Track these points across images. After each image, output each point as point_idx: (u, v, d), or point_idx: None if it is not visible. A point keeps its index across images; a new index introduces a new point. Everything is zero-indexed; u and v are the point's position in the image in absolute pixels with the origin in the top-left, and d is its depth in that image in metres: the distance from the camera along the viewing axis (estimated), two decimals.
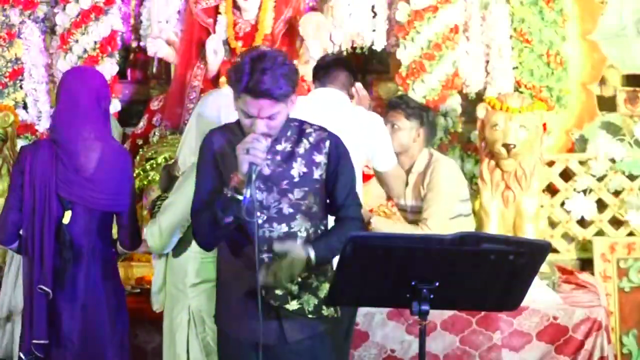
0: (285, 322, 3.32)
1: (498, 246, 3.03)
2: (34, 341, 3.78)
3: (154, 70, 6.10)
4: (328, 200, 3.39)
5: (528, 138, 4.77)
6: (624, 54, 5.82)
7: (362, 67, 6.00)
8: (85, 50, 5.69)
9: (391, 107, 4.85)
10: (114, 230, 4.05)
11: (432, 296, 3.04)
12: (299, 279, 3.29)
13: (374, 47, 5.82)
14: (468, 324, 4.59)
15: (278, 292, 3.28)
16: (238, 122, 3.29)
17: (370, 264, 3.02)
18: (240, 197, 3.10)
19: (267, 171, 3.25)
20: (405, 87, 5.57)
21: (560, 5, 5.72)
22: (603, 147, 5.59)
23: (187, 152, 3.81)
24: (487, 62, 5.72)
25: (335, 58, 4.63)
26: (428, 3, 5.53)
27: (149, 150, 5.54)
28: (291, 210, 3.28)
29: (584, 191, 5.60)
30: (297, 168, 3.29)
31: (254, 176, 3.10)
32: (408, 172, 4.80)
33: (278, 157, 3.28)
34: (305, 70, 5.52)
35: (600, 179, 5.61)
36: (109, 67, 5.72)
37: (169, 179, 3.91)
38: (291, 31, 5.69)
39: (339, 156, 3.34)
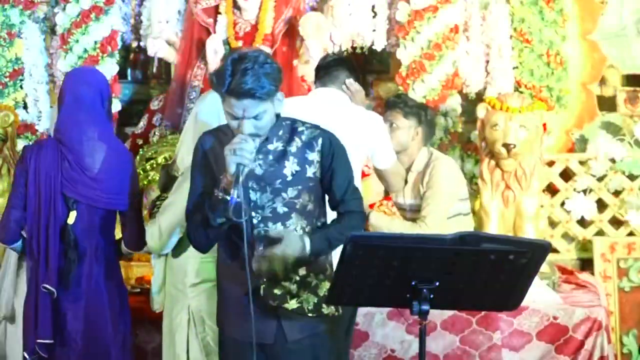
0: (285, 321, 3.32)
1: (498, 246, 3.04)
2: (39, 341, 3.78)
3: (154, 70, 6.10)
4: (327, 198, 3.39)
5: (528, 138, 4.78)
6: (624, 54, 5.82)
7: (362, 67, 5.99)
8: (85, 50, 5.69)
9: (389, 106, 4.86)
10: (117, 231, 4.06)
11: (432, 296, 3.04)
12: (297, 278, 3.30)
13: (374, 47, 5.82)
14: (468, 323, 4.59)
15: (277, 291, 3.28)
16: (227, 125, 3.30)
17: (371, 264, 3.02)
18: (229, 198, 3.11)
19: (259, 171, 3.27)
20: (405, 87, 5.58)
21: (560, 5, 5.72)
22: (603, 147, 5.59)
23: (185, 152, 3.81)
24: (487, 62, 5.72)
25: (337, 58, 4.64)
26: (428, 3, 5.53)
27: (149, 150, 5.54)
28: (286, 209, 3.29)
29: (584, 191, 5.60)
30: (290, 167, 3.29)
31: (241, 177, 3.12)
32: (407, 170, 4.81)
33: (270, 157, 3.29)
34: (305, 70, 5.53)
35: (600, 179, 5.61)
36: (109, 67, 5.72)
37: (168, 179, 3.91)
38: (291, 31, 5.69)
39: (333, 153, 3.34)
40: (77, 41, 5.69)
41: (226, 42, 5.67)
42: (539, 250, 3.06)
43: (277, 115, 3.33)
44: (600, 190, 5.59)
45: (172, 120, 5.66)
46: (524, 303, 3.26)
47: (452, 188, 4.76)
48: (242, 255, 3.21)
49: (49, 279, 3.78)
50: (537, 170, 4.86)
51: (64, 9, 5.71)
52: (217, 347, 3.77)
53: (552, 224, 5.63)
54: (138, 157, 5.54)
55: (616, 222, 5.60)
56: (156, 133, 5.70)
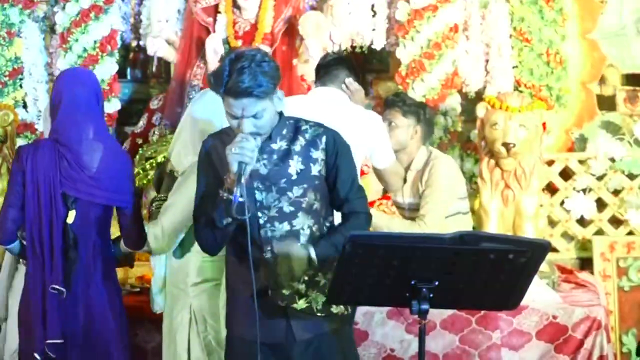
0: (294, 321, 3.32)
1: (498, 245, 3.04)
2: (48, 341, 3.78)
3: (154, 69, 6.10)
4: (331, 197, 3.39)
5: (528, 137, 4.78)
6: (623, 53, 5.82)
7: (361, 66, 6.00)
8: (85, 49, 5.69)
9: (388, 105, 4.87)
10: (114, 230, 4.07)
11: (431, 295, 3.04)
12: (306, 278, 3.30)
13: (373, 46, 5.82)
14: (468, 323, 4.59)
15: (285, 291, 3.29)
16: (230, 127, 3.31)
17: (370, 263, 3.02)
18: (231, 197, 3.11)
19: (264, 171, 3.27)
20: (405, 86, 5.58)
21: (560, 4, 5.72)
22: (603, 146, 5.59)
23: (183, 151, 3.81)
24: (487, 61, 5.72)
25: (336, 57, 4.64)
26: (428, 2, 5.54)
27: (148, 149, 5.54)
28: (292, 209, 3.29)
29: (584, 190, 5.60)
30: (294, 166, 3.30)
31: (243, 175, 3.12)
32: (406, 169, 4.82)
33: (274, 156, 3.29)
34: (305, 70, 5.53)
35: (599, 178, 5.61)
36: (108, 66, 5.72)
37: (168, 180, 3.91)
38: (291, 30, 5.69)
39: (337, 151, 3.35)
40: (76, 40, 5.69)
41: (226, 42, 5.67)
42: (539, 249, 3.06)
43: (281, 115, 3.33)
44: (599, 190, 5.59)
45: (172, 120, 5.65)
46: (523, 302, 3.27)
47: (451, 186, 4.77)
48: (252, 256, 3.20)
49: (56, 278, 3.79)
50: (536, 170, 4.86)
51: (63, 8, 5.71)
52: (219, 346, 3.78)
53: (552, 223, 5.63)
54: (138, 157, 5.54)
55: (616, 222, 5.60)
56: (156, 132, 5.70)
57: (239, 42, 5.65)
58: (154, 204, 3.85)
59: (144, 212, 4.24)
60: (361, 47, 5.82)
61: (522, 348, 4.60)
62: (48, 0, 5.89)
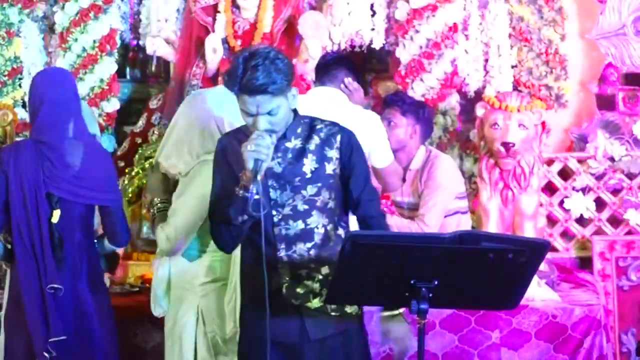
0: (308, 320, 3.33)
1: (497, 245, 3.04)
2: (52, 339, 3.78)
3: (153, 68, 6.09)
4: (345, 197, 3.39)
5: (527, 137, 4.77)
6: (623, 53, 5.82)
7: (361, 65, 5.99)
8: (84, 49, 5.69)
9: (387, 104, 4.87)
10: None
11: (431, 295, 3.04)
12: (320, 276, 3.31)
13: (372, 46, 5.82)
14: (467, 322, 4.59)
15: (299, 290, 3.29)
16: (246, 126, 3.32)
17: (370, 263, 3.02)
18: (249, 195, 3.12)
19: (278, 169, 3.29)
20: (404, 85, 5.58)
21: (559, 3, 5.72)
22: (602, 145, 5.59)
23: (176, 153, 3.80)
24: (486, 60, 5.72)
25: (336, 57, 4.64)
26: (427, 2, 5.53)
27: (147, 149, 5.54)
28: (306, 207, 3.30)
29: (583, 190, 5.60)
30: (309, 164, 3.31)
31: (259, 173, 3.13)
32: (405, 169, 4.82)
33: (289, 155, 3.31)
34: (304, 69, 5.52)
35: (599, 178, 5.61)
36: (108, 66, 5.72)
37: (166, 182, 3.89)
38: (290, 30, 5.68)
39: (351, 150, 3.36)
40: (76, 40, 5.69)
41: (225, 41, 5.66)
42: (538, 249, 3.07)
43: (295, 113, 3.35)
44: (599, 189, 5.59)
45: (171, 119, 5.65)
46: (522, 302, 3.27)
47: (450, 186, 4.77)
48: (267, 255, 3.22)
49: (51, 277, 3.79)
50: (536, 169, 4.86)
51: (62, 7, 5.71)
52: (225, 345, 3.78)
53: (551, 222, 5.63)
54: (137, 156, 5.54)
55: (615, 221, 5.60)
56: (155, 132, 5.69)
57: (238, 42, 5.64)
58: (157, 206, 3.83)
59: (144, 211, 4.24)
60: (360, 47, 5.81)
61: (521, 348, 4.60)
62: (47, 0, 5.89)
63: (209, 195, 3.51)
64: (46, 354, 3.79)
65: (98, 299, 3.92)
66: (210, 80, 5.66)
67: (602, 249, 5.46)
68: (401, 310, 4.23)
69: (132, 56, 6.30)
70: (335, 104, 4.37)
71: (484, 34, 5.71)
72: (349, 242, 3.00)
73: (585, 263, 5.55)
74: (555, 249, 5.53)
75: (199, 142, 3.80)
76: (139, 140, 5.71)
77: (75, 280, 3.86)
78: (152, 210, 3.85)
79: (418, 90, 5.54)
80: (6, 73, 5.69)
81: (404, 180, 4.80)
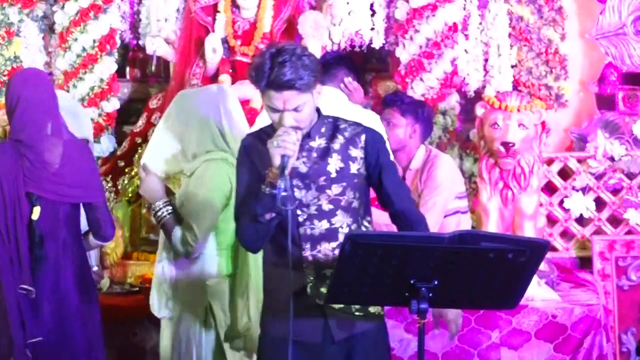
0: (332, 320, 3.32)
1: (497, 245, 3.04)
2: (30, 340, 3.77)
3: (153, 68, 6.09)
4: (378, 195, 3.40)
5: (527, 136, 4.77)
6: (623, 53, 5.82)
7: (361, 65, 5.99)
8: (84, 49, 5.69)
9: (386, 104, 4.86)
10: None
11: (431, 295, 3.04)
12: None
13: (372, 46, 5.82)
14: (467, 322, 4.59)
15: (324, 290, 3.28)
16: (271, 125, 3.33)
17: (369, 263, 3.02)
18: (275, 192, 3.12)
19: (303, 169, 3.29)
20: (404, 85, 5.58)
21: (559, 3, 5.72)
22: (602, 145, 5.60)
23: (188, 152, 3.80)
24: (486, 60, 5.72)
25: (336, 56, 4.64)
26: (427, 1, 5.53)
27: None
28: (331, 207, 3.30)
29: (583, 189, 5.60)
30: (334, 164, 3.31)
31: (286, 168, 3.13)
32: (405, 169, 4.81)
33: (314, 154, 3.31)
34: None
35: (599, 178, 5.61)
36: (108, 66, 5.72)
37: (157, 184, 3.86)
38: (290, 30, 5.68)
39: (378, 149, 3.37)
40: (75, 40, 5.69)
41: (225, 41, 5.67)
42: (538, 248, 3.06)
43: (319, 113, 3.36)
44: (598, 189, 5.59)
45: None
46: (522, 302, 3.27)
47: (450, 185, 4.77)
48: (292, 255, 3.22)
49: (24, 278, 3.78)
50: (535, 169, 4.86)
51: (62, 7, 5.71)
52: (241, 340, 3.80)
53: (551, 222, 5.63)
54: (137, 156, 5.55)
55: (615, 221, 5.61)
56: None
57: (238, 42, 5.64)
58: (162, 210, 3.79)
59: (144, 211, 4.23)
60: (360, 47, 5.82)
61: (521, 347, 4.60)
62: (47, 0, 5.89)
63: (222, 193, 3.54)
64: (29, 353, 3.78)
65: (84, 299, 3.90)
66: (210, 80, 5.67)
67: (602, 249, 5.47)
68: None
69: (132, 56, 6.30)
70: (335, 103, 4.36)
71: (483, 33, 5.72)
72: (349, 242, 3.00)
73: (585, 263, 5.55)
74: (555, 249, 5.54)
75: (197, 142, 3.80)
76: (139, 140, 5.71)
77: (58, 279, 3.85)
78: (157, 215, 3.79)
79: (418, 90, 5.54)
80: (6, 73, 5.69)
81: (403, 179, 4.80)
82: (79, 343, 3.89)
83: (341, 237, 3.29)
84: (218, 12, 5.71)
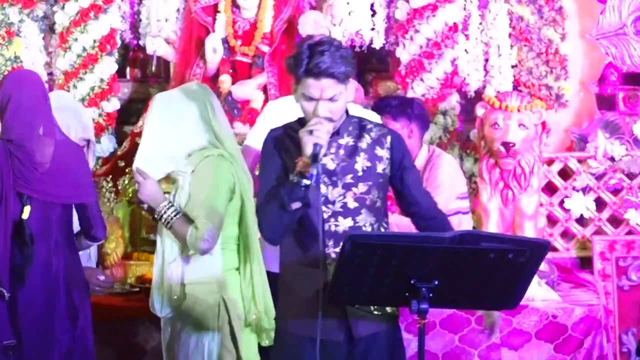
0: (352, 319, 3.33)
1: (497, 245, 3.04)
2: (4, 343, 3.77)
3: (153, 68, 6.10)
4: (400, 197, 3.43)
5: (527, 137, 4.77)
6: (623, 53, 5.82)
7: (361, 65, 5.99)
8: (84, 49, 5.69)
9: (377, 112, 4.85)
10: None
11: (431, 295, 3.04)
12: None
13: (373, 46, 5.82)
14: (467, 322, 4.59)
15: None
16: (298, 121, 3.36)
17: (370, 263, 3.02)
18: (306, 182, 3.15)
19: (331, 165, 3.31)
20: (404, 85, 5.58)
21: (559, 3, 5.72)
22: (602, 145, 5.60)
23: (182, 147, 3.78)
24: (486, 60, 5.72)
25: None
26: (427, 1, 5.53)
27: None
28: (356, 205, 3.33)
29: (583, 190, 5.60)
30: (361, 162, 3.34)
31: (319, 156, 3.16)
32: None
33: (342, 152, 3.34)
34: None
35: (599, 178, 5.61)
36: (108, 66, 5.72)
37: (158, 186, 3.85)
38: (290, 30, 5.68)
39: (402, 151, 3.41)
40: (76, 40, 5.69)
41: (225, 41, 5.67)
42: (538, 249, 3.07)
43: (346, 112, 3.39)
44: (599, 189, 5.59)
45: None
46: (523, 302, 3.27)
47: (452, 185, 4.77)
48: (313, 254, 3.27)
49: (1, 281, 3.77)
50: (536, 169, 4.86)
51: (63, 7, 5.71)
52: (246, 331, 3.81)
53: (551, 222, 5.63)
54: None
55: (615, 221, 5.60)
56: None
57: (239, 42, 5.65)
58: (167, 211, 3.77)
59: (144, 212, 4.20)
60: (360, 47, 5.82)
61: (521, 348, 4.60)
62: (47, 0, 5.89)
63: (227, 187, 3.62)
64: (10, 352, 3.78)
65: (73, 299, 3.89)
66: (211, 80, 5.67)
67: (602, 249, 5.46)
68: None
69: (132, 56, 6.30)
70: None
71: (484, 33, 5.72)
72: (349, 242, 3.00)
73: (585, 263, 5.55)
74: (555, 249, 5.53)
75: (190, 140, 3.77)
76: (139, 140, 5.69)
77: (49, 279, 3.84)
78: (163, 218, 3.76)
79: (418, 90, 5.54)
80: (6, 73, 5.68)
81: None
82: (64, 344, 3.87)
83: None
84: (218, 12, 5.71)
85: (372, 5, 5.79)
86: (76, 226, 4.03)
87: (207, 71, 5.67)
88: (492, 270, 3.05)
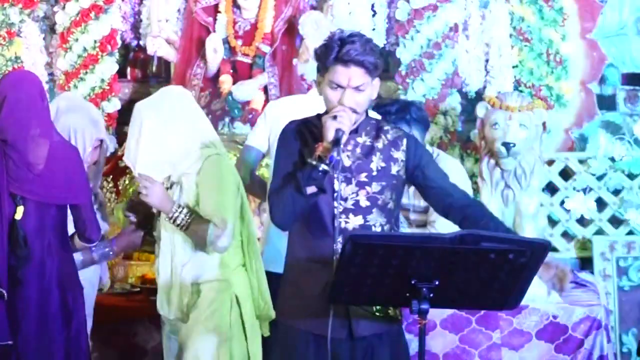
0: (353, 318, 3.36)
1: (498, 245, 3.04)
2: (1, 343, 3.76)
3: (154, 69, 6.10)
4: (428, 193, 3.48)
5: (528, 137, 4.77)
6: (623, 53, 5.82)
7: None
8: (85, 49, 5.70)
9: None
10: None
11: (431, 295, 3.04)
12: None
13: None
14: (468, 322, 4.59)
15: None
16: (317, 116, 3.39)
17: (370, 263, 3.02)
18: (324, 166, 3.18)
19: (347, 162, 3.34)
20: (404, 85, 5.59)
21: (560, 3, 5.72)
22: (603, 146, 5.59)
23: (179, 150, 3.78)
24: (487, 60, 5.72)
25: None
26: (428, 2, 5.54)
27: None
28: (368, 204, 3.36)
29: (584, 190, 5.59)
30: (376, 162, 3.38)
31: (340, 142, 3.19)
32: None
33: (358, 150, 3.38)
34: (305, 69, 5.53)
35: (599, 178, 5.60)
36: (108, 66, 5.73)
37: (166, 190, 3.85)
38: (291, 30, 5.69)
39: (419, 153, 3.46)
40: (76, 40, 5.70)
41: (226, 41, 5.67)
42: (539, 249, 3.07)
43: (366, 113, 3.43)
44: (599, 189, 5.59)
45: None
46: (523, 302, 3.27)
47: None
48: (321, 252, 3.30)
49: None
50: (536, 169, 4.85)
51: (63, 7, 5.72)
52: (255, 325, 3.86)
53: (552, 223, 5.63)
54: None
55: (616, 221, 5.60)
56: None
57: (239, 42, 5.65)
58: (182, 214, 3.76)
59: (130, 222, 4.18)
60: None
61: (522, 348, 4.60)
62: (48, 0, 5.89)
63: (235, 185, 3.68)
64: None
65: (67, 301, 3.89)
66: (211, 80, 5.67)
67: (603, 249, 5.46)
68: None
69: (132, 56, 6.30)
70: None
71: (484, 34, 5.71)
72: (350, 242, 3.00)
73: (586, 263, 5.54)
74: (555, 249, 5.53)
75: (186, 142, 3.78)
76: None
77: (42, 280, 3.84)
78: (177, 222, 3.75)
79: (418, 90, 5.54)
80: (7, 73, 5.69)
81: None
82: (58, 344, 3.87)
83: None
84: (219, 12, 5.72)
85: (372, 6, 5.79)
86: (72, 228, 4.02)
87: (207, 71, 5.67)
88: (493, 271, 3.05)
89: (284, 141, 3.44)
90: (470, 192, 4.83)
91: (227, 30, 5.67)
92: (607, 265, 5.44)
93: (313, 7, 5.82)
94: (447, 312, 4.56)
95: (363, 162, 3.37)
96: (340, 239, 3.31)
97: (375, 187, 3.36)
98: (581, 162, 5.64)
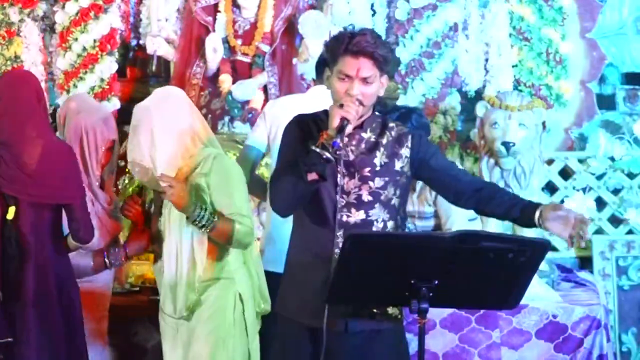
0: (351, 312, 3.37)
1: (497, 244, 3.04)
2: (0, 340, 3.76)
3: (154, 68, 6.09)
4: (437, 183, 3.48)
5: (527, 136, 4.78)
6: (623, 52, 5.82)
7: None
8: (84, 49, 5.69)
9: None
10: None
11: (431, 294, 3.05)
12: None
13: None
14: (467, 322, 4.59)
15: None
16: (324, 111, 3.41)
17: (370, 262, 3.03)
18: (327, 154, 3.18)
19: (351, 157, 3.36)
20: (404, 85, 5.59)
21: (560, 3, 5.72)
22: (602, 145, 5.59)
23: (186, 149, 3.79)
24: (487, 60, 5.72)
25: None
26: (427, 1, 5.55)
27: None
28: (370, 198, 3.37)
29: (584, 189, 5.59)
30: (380, 157, 3.40)
31: (344, 130, 3.21)
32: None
33: (362, 145, 3.40)
34: (305, 69, 5.53)
35: (599, 177, 5.61)
36: (108, 65, 5.72)
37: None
38: (290, 29, 5.69)
39: (425, 147, 3.46)
40: (76, 39, 5.69)
41: (225, 41, 5.67)
42: (538, 248, 3.07)
43: (373, 108, 3.45)
44: (599, 189, 5.59)
45: None
46: (523, 301, 3.27)
47: None
48: (322, 247, 3.31)
49: None
50: (536, 169, 4.86)
51: (63, 7, 5.71)
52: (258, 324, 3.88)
53: None
54: None
55: (615, 221, 5.60)
56: None
57: (239, 41, 5.64)
58: (207, 213, 3.75)
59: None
60: None
61: (521, 347, 4.60)
62: (48, 0, 5.89)
63: (244, 181, 3.73)
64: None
65: (63, 300, 3.89)
66: (211, 80, 5.67)
67: (603, 249, 5.46)
68: None
69: (132, 56, 6.29)
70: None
71: (484, 33, 5.72)
72: (349, 241, 3.00)
73: (585, 262, 5.55)
74: (555, 249, 5.53)
75: (189, 140, 3.79)
76: None
77: (37, 280, 3.84)
78: (204, 224, 3.73)
79: (418, 89, 5.54)
80: (4, 72, 5.69)
81: (413, 189, 4.77)
82: (61, 344, 3.87)
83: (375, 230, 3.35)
84: (218, 11, 5.72)
85: (372, 5, 5.79)
86: (66, 228, 4.02)
87: (207, 71, 5.67)
88: (492, 270, 3.05)
89: (288, 131, 3.47)
90: None
91: (227, 29, 5.67)
92: (607, 264, 5.44)
93: (312, 7, 5.82)
94: (447, 311, 4.56)
95: (366, 157, 3.38)
96: (341, 233, 3.32)
97: (378, 182, 3.37)
98: (581, 161, 5.64)
